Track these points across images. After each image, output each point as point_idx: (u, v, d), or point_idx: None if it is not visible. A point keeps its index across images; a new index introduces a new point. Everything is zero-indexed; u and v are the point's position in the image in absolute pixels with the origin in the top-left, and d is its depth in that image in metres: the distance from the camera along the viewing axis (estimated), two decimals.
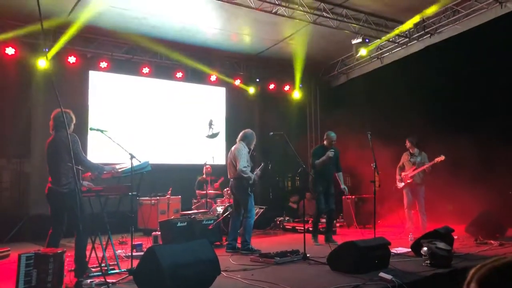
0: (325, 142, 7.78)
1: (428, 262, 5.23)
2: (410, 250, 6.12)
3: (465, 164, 9.00)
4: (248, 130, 7.25)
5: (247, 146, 7.06)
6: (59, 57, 9.43)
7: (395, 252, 6.11)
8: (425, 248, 5.36)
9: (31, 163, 9.24)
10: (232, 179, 7.06)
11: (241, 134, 7.23)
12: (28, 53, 9.14)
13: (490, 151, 8.59)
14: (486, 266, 1.17)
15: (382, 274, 4.51)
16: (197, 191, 9.82)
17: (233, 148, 7.13)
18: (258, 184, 6.99)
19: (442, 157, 7.88)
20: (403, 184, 8.36)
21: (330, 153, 7.34)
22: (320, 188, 7.56)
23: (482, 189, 8.30)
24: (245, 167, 6.78)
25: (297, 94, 12.71)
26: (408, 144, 8.43)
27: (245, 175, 6.78)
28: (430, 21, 9.60)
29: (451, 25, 9.34)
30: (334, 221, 8.29)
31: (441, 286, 4.79)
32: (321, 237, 7.56)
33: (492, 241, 6.94)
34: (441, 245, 5.30)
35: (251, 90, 12.27)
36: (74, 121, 5.21)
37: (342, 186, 7.79)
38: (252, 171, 6.99)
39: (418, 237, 6.29)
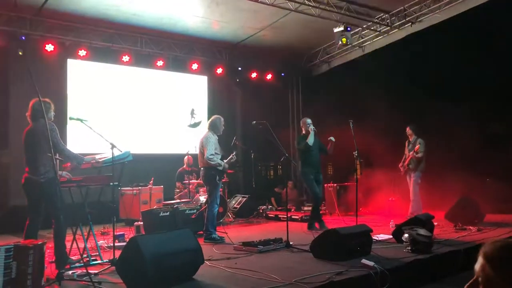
0: (303, 130, 7.83)
1: (409, 248, 5.31)
2: (391, 236, 6.20)
3: (444, 152, 9.14)
4: (215, 117, 7.19)
5: (216, 134, 7.02)
6: (36, 45, 9.22)
7: (377, 239, 6.18)
8: (406, 235, 5.44)
9: (9, 154, 9.03)
10: (202, 168, 7.01)
11: (208, 122, 7.21)
12: (5, 41, 8.90)
13: (469, 138, 8.73)
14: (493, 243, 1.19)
15: (364, 261, 4.56)
16: (177, 183, 9.75)
17: (201, 137, 7.08)
18: (239, 171, 6.96)
19: (417, 146, 8.17)
20: (403, 171, 8.62)
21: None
22: (311, 176, 7.60)
23: (461, 176, 8.45)
24: (212, 154, 6.73)
25: (279, 83, 12.73)
26: (408, 131, 8.58)
27: (213, 163, 6.73)
28: (411, 9, 9.65)
29: (432, 14, 9.41)
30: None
31: (422, 271, 4.88)
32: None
33: (470, 227, 7.08)
34: (422, 231, 5.38)
35: (233, 79, 12.19)
36: (53, 108, 5.11)
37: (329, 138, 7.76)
38: (222, 159, 6.95)
39: (400, 223, 6.39)
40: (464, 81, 9.08)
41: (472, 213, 7.61)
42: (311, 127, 7.66)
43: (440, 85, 9.50)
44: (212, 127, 7.04)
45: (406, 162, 8.47)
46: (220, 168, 6.81)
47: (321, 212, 9.85)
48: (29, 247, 3.96)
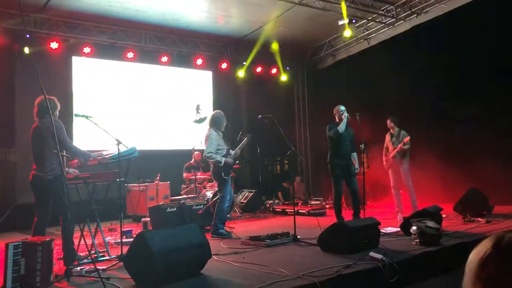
0: (336, 118, 7.44)
1: (418, 240, 5.29)
2: (399, 229, 6.17)
3: (453, 144, 9.08)
4: (215, 113, 7.12)
5: (218, 130, 6.95)
6: (41, 43, 9.24)
7: (385, 231, 6.15)
8: (414, 227, 5.41)
9: (16, 152, 9.08)
10: (211, 166, 7.00)
11: (209, 118, 7.14)
12: (10, 39, 8.92)
13: (477, 130, 8.66)
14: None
15: (372, 254, 4.54)
16: (185, 174, 9.76)
17: (205, 134, 7.03)
18: (246, 166, 6.94)
19: (407, 138, 8.12)
20: (387, 164, 8.50)
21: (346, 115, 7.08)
22: (337, 171, 7.25)
23: (470, 168, 8.39)
24: (209, 152, 6.70)
25: (284, 77, 12.70)
26: (389, 124, 8.51)
27: (212, 161, 6.73)
28: (417, 0, 9.55)
29: (438, 5, 9.30)
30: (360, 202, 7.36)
31: (430, 264, 4.85)
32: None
33: (479, 219, 7.03)
34: (430, 223, 5.34)
35: (239, 73, 12.14)
36: (58, 108, 5.13)
37: (356, 166, 7.38)
38: (229, 152, 6.94)
39: (408, 216, 6.35)
40: (472, 72, 8.97)
41: (480, 205, 7.56)
42: (345, 114, 7.22)
43: (447, 75, 9.40)
44: (213, 123, 6.98)
45: (392, 155, 8.37)
46: (221, 164, 6.74)
47: (328, 206, 9.90)
48: (38, 243, 3.97)
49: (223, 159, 6.77)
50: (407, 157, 8.37)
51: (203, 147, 7.12)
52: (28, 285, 3.86)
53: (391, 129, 8.55)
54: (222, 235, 6.60)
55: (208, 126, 7.04)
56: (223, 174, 6.78)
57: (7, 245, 3.85)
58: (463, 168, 8.46)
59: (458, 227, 6.45)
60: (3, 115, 9.05)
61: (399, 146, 8.23)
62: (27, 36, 9.00)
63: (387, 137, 8.61)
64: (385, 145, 8.65)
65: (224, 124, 7.04)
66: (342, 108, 7.38)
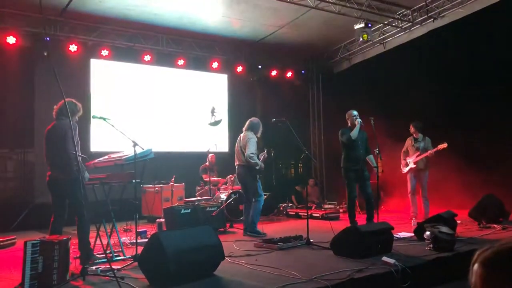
0: (348, 123, 7.43)
1: (431, 246, 5.26)
2: (413, 234, 6.15)
3: (468, 149, 8.98)
4: (255, 119, 7.38)
5: (255, 135, 7.22)
6: (61, 46, 9.41)
7: (398, 236, 6.13)
8: (428, 233, 5.38)
9: (35, 152, 9.26)
10: (239, 167, 7.19)
11: (247, 123, 7.35)
12: (30, 42, 9.12)
13: (493, 135, 8.56)
14: (491, 248, 1.18)
15: (385, 258, 4.54)
16: (203, 175, 9.87)
17: (242, 136, 7.27)
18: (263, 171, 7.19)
19: (445, 145, 7.84)
20: (407, 169, 8.35)
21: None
22: (351, 174, 7.24)
23: (485, 173, 8.29)
24: (252, 153, 6.96)
25: (299, 81, 12.72)
26: (412, 129, 8.40)
27: (253, 161, 6.95)
28: (433, 5, 9.49)
29: (455, 9, 9.23)
30: (374, 208, 7.29)
31: (444, 269, 4.82)
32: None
33: (495, 225, 6.96)
34: (444, 229, 5.31)
35: (253, 77, 12.19)
36: (80, 113, 5.22)
37: (374, 165, 7.33)
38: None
39: (421, 221, 6.31)
40: (489, 79, 8.87)
41: (496, 211, 7.47)
42: (358, 119, 7.19)
43: (463, 81, 9.31)
44: (251, 128, 7.25)
45: (415, 160, 8.22)
46: (257, 167, 7.03)
47: (341, 210, 9.87)
48: (55, 242, 4.07)
49: (260, 162, 7.08)
50: (429, 163, 8.27)
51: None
52: (45, 283, 3.95)
53: (413, 134, 8.44)
54: (259, 234, 6.89)
55: (245, 131, 7.29)
56: (257, 177, 7.12)
57: (25, 243, 3.94)
58: (480, 174, 8.36)
59: (473, 233, 6.40)
60: (23, 116, 9.24)
61: (428, 152, 8.05)
62: (47, 39, 9.17)
63: (408, 141, 8.49)
64: (404, 148, 8.54)
65: (260, 131, 7.32)
66: (355, 112, 7.36)
